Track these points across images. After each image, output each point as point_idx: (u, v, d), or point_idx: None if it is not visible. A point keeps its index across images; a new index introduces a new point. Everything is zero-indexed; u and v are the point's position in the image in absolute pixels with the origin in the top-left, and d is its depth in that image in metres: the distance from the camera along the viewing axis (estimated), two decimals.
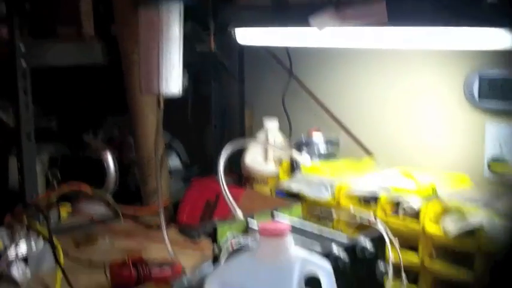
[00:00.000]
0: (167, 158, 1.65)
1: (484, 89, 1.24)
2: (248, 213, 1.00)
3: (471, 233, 1.01)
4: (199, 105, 1.67)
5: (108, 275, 1.12)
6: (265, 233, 0.63)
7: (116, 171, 1.61)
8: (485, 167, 1.23)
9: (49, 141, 1.63)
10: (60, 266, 1.11)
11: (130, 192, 1.63)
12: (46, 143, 1.60)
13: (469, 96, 1.26)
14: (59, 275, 1.09)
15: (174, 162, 1.70)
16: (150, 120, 1.47)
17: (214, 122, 1.70)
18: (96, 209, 1.53)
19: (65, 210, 1.49)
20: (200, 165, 1.74)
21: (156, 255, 1.24)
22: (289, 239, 0.63)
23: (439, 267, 1.05)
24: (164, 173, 1.53)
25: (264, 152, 1.50)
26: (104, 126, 1.72)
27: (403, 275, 0.89)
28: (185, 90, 1.27)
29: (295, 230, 0.94)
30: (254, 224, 0.94)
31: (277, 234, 0.63)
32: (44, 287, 1.14)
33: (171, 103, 1.25)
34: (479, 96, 1.24)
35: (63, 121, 1.74)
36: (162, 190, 1.29)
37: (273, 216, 0.99)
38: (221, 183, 1.09)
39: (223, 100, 1.71)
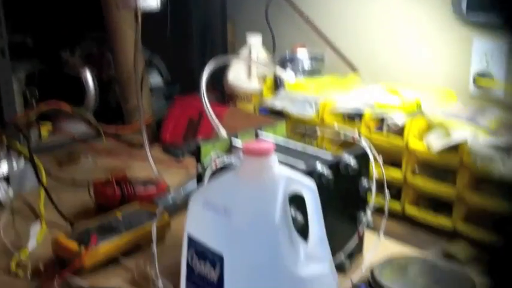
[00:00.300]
0: (148, 75, 1.62)
1: (473, 2, 1.20)
2: (232, 132, 0.99)
3: (454, 149, 1.01)
4: (179, 20, 1.62)
5: (92, 193, 1.12)
6: (249, 152, 0.62)
7: (95, 89, 1.58)
8: (471, 82, 1.22)
9: (25, 58, 1.58)
10: (42, 185, 1.11)
11: (112, 110, 1.61)
12: (22, 60, 1.55)
13: (456, 9, 1.23)
14: (42, 194, 1.09)
15: (155, 79, 1.67)
16: (129, 36, 1.42)
17: (195, 37, 1.65)
18: (77, 128, 1.51)
19: (45, 129, 1.47)
20: (182, 82, 1.71)
21: (140, 174, 1.23)
22: (273, 158, 0.62)
23: (422, 182, 1.06)
24: (145, 90, 1.50)
25: (247, 69, 1.48)
26: (82, 43, 1.67)
27: (386, 190, 0.90)
28: (163, 3, 1.22)
29: (279, 148, 0.94)
30: (238, 142, 0.93)
31: (261, 153, 0.62)
32: (28, 206, 1.14)
33: (149, 18, 1.21)
34: (467, 9, 1.21)
35: (39, 37, 1.68)
36: (143, 108, 1.27)
37: (257, 135, 0.98)
38: (204, 101, 1.07)
39: (205, 14, 1.66)
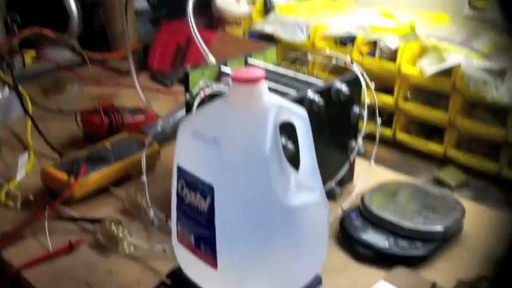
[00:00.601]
0: None
1: None
2: (221, 58, 0.96)
3: (447, 73, 1.00)
4: None
5: (79, 123, 1.10)
6: (239, 79, 0.60)
7: (78, 13, 1.52)
8: (466, 3, 1.18)
9: None
10: (28, 114, 1.08)
11: (96, 35, 1.56)
12: None
13: None
14: (29, 123, 1.07)
15: (141, 2, 1.61)
16: None
17: None
18: (62, 55, 1.47)
19: (29, 57, 1.43)
20: (169, 6, 1.65)
21: (128, 102, 1.21)
22: (263, 86, 0.60)
23: (414, 108, 1.05)
24: (130, 14, 1.45)
25: None
26: None
27: (378, 116, 0.89)
28: None
29: (269, 75, 0.91)
30: (227, 70, 0.91)
31: (251, 80, 0.60)
32: (14, 136, 1.12)
33: None
34: None
35: None
36: (129, 33, 1.22)
37: (246, 62, 0.95)
38: (191, 26, 1.03)
39: None
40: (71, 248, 0.78)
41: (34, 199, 0.89)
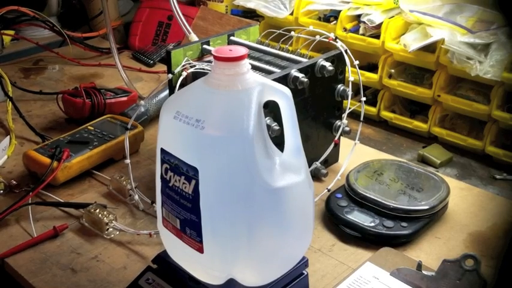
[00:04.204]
0: None
1: None
2: (203, 35, 0.94)
3: (431, 49, 0.99)
4: None
5: (60, 104, 1.08)
6: (221, 58, 0.58)
7: None
8: None
9: None
10: (8, 96, 1.06)
11: (76, 14, 1.53)
12: None
13: None
14: (10, 106, 1.05)
15: None
16: None
17: None
18: (41, 34, 1.44)
19: (7, 37, 1.40)
20: None
21: (110, 83, 1.19)
22: (247, 64, 0.59)
23: (398, 85, 1.04)
24: None
25: None
26: None
27: (362, 93, 0.88)
28: None
29: (252, 53, 0.90)
30: (210, 48, 0.89)
31: (234, 59, 0.59)
32: None
33: None
34: None
35: None
36: (109, 10, 1.19)
37: (229, 40, 0.94)
38: (172, 2, 1.01)
39: None
40: (55, 233, 0.77)
41: (17, 184, 0.88)
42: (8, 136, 0.99)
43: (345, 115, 0.89)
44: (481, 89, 0.97)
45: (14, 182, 0.88)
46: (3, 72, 1.11)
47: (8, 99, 1.06)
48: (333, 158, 0.93)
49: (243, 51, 0.59)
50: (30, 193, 0.83)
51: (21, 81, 1.26)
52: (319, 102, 0.86)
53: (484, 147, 0.96)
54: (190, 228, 0.59)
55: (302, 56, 0.88)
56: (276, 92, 0.61)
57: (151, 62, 1.34)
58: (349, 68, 0.87)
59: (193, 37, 1.00)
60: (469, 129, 1.00)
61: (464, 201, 0.84)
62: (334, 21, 1.12)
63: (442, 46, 0.95)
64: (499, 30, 0.94)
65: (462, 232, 0.78)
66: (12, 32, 1.39)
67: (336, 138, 0.89)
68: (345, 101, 0.89)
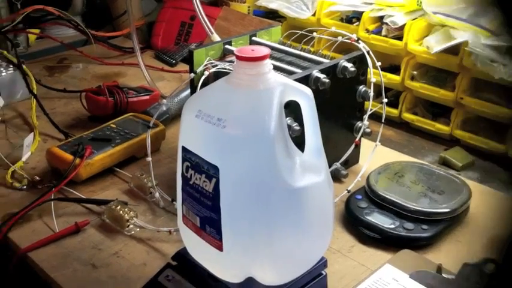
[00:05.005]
0: None
1: None
2: (225, 35, 0.95)
3: (454, 51, 0.98)
4: None
5: (84, 102, 1.09)
6: (243, 58, 0.59)
7: None
8: None
9: None
10: (33, 94, 1.08)
11: (100, 14, 1.54)
12: None
13: None
14: (34, 103, 1.07)
15: None
16: None
17: None
18: (66, 34, 1.46)
19: (33, 36, 1.42)
20: None
21: (132, 81, 1.20)
22: (268, 64, 0.59)
23: (420, 87, 1.04)
24: None
25: None
26: None
27: (384, 94, 0.88)
28: None
29: (274, 54, 0.91)
30: (232, 48, 0.90)
31: (256, 59, 0.59)
32: (19, 116, 1.12)
33: None
34: None
35: None
36: (132, 10, 1.21)
37: (251, 40, 0.94)
38: (195, 2, 1.02)
39: None
40: (77, 229, 0.78)
41: (40, 180, 0.89)
42: (32, 133, 1.01)
43: (366, 116, 0.88)
44: (505, 92, 0.96)
45: (37, 178, 0.89)
46: (28, 70, 1.14)
47: (33, 97, 1.07)
48: (354, 159, 0.92)
49: (265, 51, 0.59)
50: (53, 189, 0.84)
51: (46, 79, 1.28)
52: (340, 103, 0.86)
53: (506, 150, 0.95)
54: (210, 226, 0.59)
55: (324, 57, 0.88)
56: (298, 92, 0.61)
57: (174, 61, 1.35)
58: (371, 69, 0.87)
59: (216, 37, 1.01)
60: (492, 133, 0.99)
61: (486, 205, 0.83)
62: (357, 23, 1.11)
63: (466, 48, 0.94)
64: None
65: (483, 236, 0.77)
66: (37, 31, 1.41)
67: (357, 140, 0.89)
68: (366, 102, 0.89)
